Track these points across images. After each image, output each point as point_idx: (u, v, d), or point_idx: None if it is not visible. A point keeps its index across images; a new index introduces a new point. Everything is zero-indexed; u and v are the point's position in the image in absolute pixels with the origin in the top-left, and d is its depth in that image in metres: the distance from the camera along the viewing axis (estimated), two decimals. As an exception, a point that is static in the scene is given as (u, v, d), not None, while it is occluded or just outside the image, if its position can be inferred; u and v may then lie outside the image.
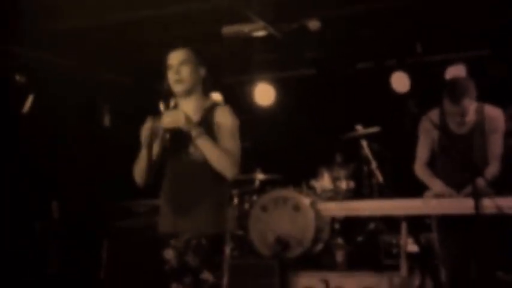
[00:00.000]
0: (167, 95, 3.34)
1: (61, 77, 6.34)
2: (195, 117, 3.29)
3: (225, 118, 3.30)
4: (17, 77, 5.20)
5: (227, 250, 3.27)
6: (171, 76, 3.30)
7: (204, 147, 3.18)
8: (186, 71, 3.29)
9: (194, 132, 3.17)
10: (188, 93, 3.32)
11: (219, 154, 3.19)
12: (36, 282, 5.80)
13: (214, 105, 3.36)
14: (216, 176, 3.24)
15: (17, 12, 4.94)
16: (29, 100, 5.76)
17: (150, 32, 5.86)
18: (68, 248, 6.13)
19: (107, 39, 5.99)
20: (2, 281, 5.52)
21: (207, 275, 3.18)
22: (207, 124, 3.27)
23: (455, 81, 4.12)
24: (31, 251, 5.92)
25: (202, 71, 3.38)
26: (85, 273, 5.90)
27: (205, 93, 3.42)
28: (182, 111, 3.21)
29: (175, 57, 3.31)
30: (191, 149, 3.26)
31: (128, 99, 7.01)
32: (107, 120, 6.96)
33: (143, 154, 3.30)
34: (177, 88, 3.30)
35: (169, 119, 3.18)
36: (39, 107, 5.92)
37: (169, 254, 3.27)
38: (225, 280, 3.23)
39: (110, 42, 6.07)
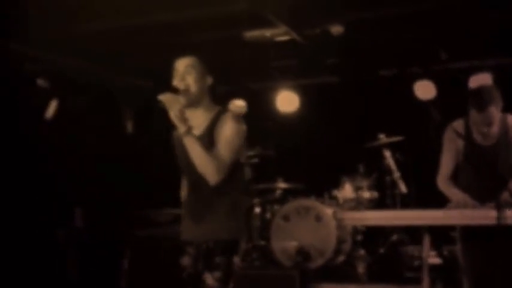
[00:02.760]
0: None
1: (85, 81, 6.36)
2: (202, 128, 3.27)
3: (224, 125, 3.25)
4: (40, 81, 5.18)
5: (236, 259, 3.25)
6: (177, 83, 3.28)
7: (189, 146, 3.14)
8: (191, 78, 3.27)
9: (182, 128, 3.12)
10: (195, 104, 3.28)
11: (202, 157, 3.12)
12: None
13: (219, 114, 3.32)
14: (229, 185, 3.23)
15: (41, 16, 4.93)
16: (53, 105, 5.73)
17: (170, 36, 5.83)
18: (89, 256, 6.14)
19: (130, 43, 5.98)
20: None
21: (210, 280, 3.20)
22: (211, 135, 3.25)
23: (480, 89, 4.07)
24: (52, 258, 5.94)
25: (209, 80, 3.35)
26: (106, 282, 5.90)
27: (213, 102, 3.39)
28: (181, 101, 3.15)
29: (181, 64, 3.31)
30: None
31: (152, 106, 6.97)
32: (130, 127, 6.91)
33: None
34: (184, 99, 3.22)
35: (168, 98, 3.12)
36: (63, 112, 5.92)
37: (186, 261, 3.32)
38: None
39: (133, 46, 6.06)
